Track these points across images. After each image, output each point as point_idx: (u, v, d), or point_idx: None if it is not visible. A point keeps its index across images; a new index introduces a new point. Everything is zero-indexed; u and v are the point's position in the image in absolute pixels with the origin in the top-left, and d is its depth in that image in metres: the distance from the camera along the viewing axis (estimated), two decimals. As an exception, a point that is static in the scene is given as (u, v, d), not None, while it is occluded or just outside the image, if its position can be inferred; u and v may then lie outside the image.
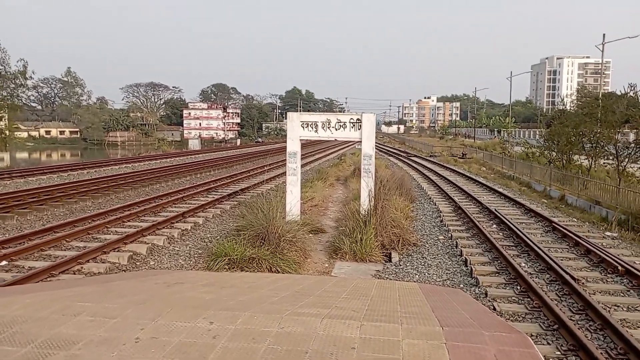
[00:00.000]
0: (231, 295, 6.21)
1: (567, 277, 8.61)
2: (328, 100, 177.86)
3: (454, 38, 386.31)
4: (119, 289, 6.53)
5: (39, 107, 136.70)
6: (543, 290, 8.10)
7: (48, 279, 8.21)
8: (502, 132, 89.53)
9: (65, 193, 18.03)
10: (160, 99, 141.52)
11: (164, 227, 12.61)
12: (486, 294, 8.18)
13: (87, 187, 19.61)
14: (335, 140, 14.06)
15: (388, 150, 57.53)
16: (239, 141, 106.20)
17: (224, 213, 15.55)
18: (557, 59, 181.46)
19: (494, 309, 7.47)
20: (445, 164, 37.52)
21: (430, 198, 19.80)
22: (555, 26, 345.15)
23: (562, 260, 10.24)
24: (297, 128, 13.44)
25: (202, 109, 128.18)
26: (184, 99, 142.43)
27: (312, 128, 13.38)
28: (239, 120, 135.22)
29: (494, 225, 14.05)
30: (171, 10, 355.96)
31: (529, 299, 7.85)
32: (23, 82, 50.87)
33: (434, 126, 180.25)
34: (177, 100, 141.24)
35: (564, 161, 26.21)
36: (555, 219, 15.03)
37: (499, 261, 10.15)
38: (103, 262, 9.54)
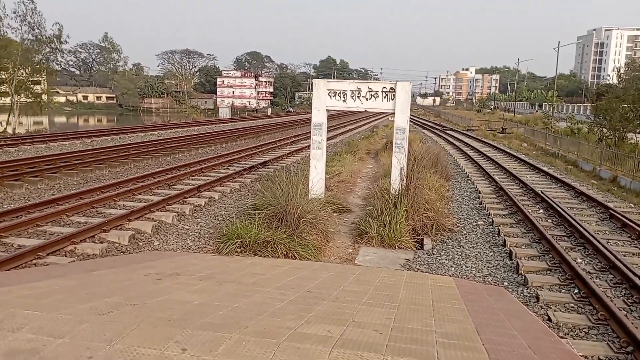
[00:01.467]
0: (226, 298, 5.10)
1: (636, 279, 7.19)
2: (363, 71, 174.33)
3: (495, 7, 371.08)
4: (95, 283, 5.50)
5: (77, 72, 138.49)
6: (607, 296, 6.73)
7: (33, 262, 7.29)
8: (543, 106, 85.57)
9: (82, 161, 17.30)
10: (195, 67, 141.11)
11: (175, 202, 11.62)
12: (537, 298, 6.86)
13: (106, 155, 18.86)
14: (366, 111, 12.71)
15: (423, 123, 55.50)
16: (269, 110, 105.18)
17: (243, 187, 14.49)
18: (606, 30, 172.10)
19: (549, 319, 6.16)
20: (483, 139, 35.55)
21: (467, 176, 18.28)
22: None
23: (625, 256, 8.77)
24: (323, 97, 12.14)
25: (236, 77, 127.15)
26: (218, 67, 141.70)
27: (340, 97, 12.07)
28: (272, 90, 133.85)
29: (541, 210, 12.55)
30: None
31: (591, 308, 6.51)
32: (58, 47, 50.60)
33: (472, 99, 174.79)
34: (212, 68, 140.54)
35: (616, 139, 24.10)
36: (611, 204, 13.40)
37: (549, 255, 8.75)
38: (101, 242, 8.59)
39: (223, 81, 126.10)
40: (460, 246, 9.86)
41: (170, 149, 22.25)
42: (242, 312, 4.49)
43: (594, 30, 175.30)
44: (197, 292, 5.31)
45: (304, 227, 9.49)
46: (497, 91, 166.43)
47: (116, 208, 10.85)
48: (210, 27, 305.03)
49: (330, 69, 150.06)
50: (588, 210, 12.74)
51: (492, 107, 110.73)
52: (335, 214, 12.02)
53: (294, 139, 28.38)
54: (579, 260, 8.53)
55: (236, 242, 8.88)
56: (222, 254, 8.66)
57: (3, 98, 42.22)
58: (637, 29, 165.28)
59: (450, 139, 34.31)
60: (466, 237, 10.49)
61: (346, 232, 10.86)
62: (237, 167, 17.65)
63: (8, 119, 39.60)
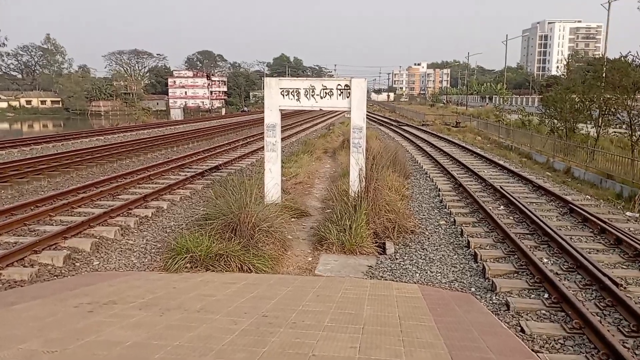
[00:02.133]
0: (167, 334, 4.43)
1: (606, 280, 6.94)
2: (317, 68, 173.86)
3: (444, 3, 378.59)
4: (13, 322, 4.71)
5: (20, 76, 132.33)
6: (579, 300, 6.43)
7: (-53, 295, 6.36)
8: (493, 99, 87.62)
9: (19, 171, 16.02)
10: (145, 67, 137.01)
11: (119, 215, 10.74)
12: (508, 306, 6.48)
13: (46, 164, 17.59)
14: (321, 110, 12.19)
15: (378, 119, 55.58)
16: (224, 110, 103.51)
17: (195, 194, 13.67)
18: (549, 23, 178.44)
19: (522, 330, 5.78)
20: (438, 134, 35.76)
21: (426, 173, 18.05)
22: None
23: (590, 253, 8.58)
24: (276, 96, 11.54)
25: (188, 77, 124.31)
26: (169, 67, 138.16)
27: (294, 96, 11.50)
28: (225, 89, 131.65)
29: (502, 207, 12.35)
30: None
31: (563, 315, 6.18)
32: (-5, 49, 47.77)
33: (424, 93, 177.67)
34: (162, 68, 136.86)
35: (567, 130, 24.50)
36: (569, 197, 13.37)
37: (515, 256, 8.45)
38: (31, 265, 7.69)
39: (175, 81, 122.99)
40: (423, 249, 9.46)
41: (117, 155, 21.08)
42: (184, 353, 3.85)
43: (538, 23, 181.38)
44: (134, 326, 4.62)
45: (259, 236, 8.86)
46: (448, 85, 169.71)
47: (52, 224, 9.88)
48: (159, 26, 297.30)
49: (284, 66, 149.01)
50: (547, 205, 12.64)
51: (445, 101, 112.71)
52: (293, 219, 11.44)
53: (248, 140, 27.65)
54: (545, 261, 8.26)
55: (185, 257, 8.17)
56: (169, 271, 7.94)
57: None
58: (578, 21, 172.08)
59: (406, 135, 34.29)
60: (429, 239, 10.11)
61: (305, 239, 10.29)
62: (189, 172, 16.78)
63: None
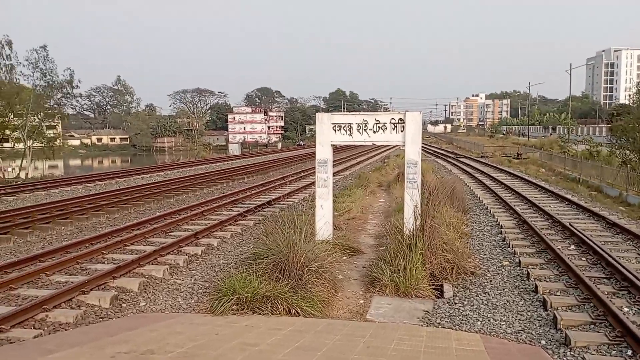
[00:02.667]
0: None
1: (702, 336, 6.01)
2: (372, 101, 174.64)
3: (502, 33, 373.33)
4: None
5: (92, 116, 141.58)
6: (671, 360, 5.56)
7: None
8: (557, 128, 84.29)
9: (80, 207, 16.51)
10: (206, 105, 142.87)
11: (169, 253, 10.65)
12: (585, 365, 5.70)
13: (106, 200, 18.09)
14: (374, 144, 11.84)
15: (435, 152, 54.50)
16: (280, 145, 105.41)
17: (246, 231, 13.49)
18: (615, 51, 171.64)
19: (605, 396, 5.01)
20: (498, 166, 34.40)
21: (486, 208, 17.12)
22: (611, 17, 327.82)
23: (679, 302, 7.58)
24: (327, 131, 11.33)
25: (246, 113, 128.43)
26: (229, 104, 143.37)
27: (346, 131, 11.22)
28: (282, 124, 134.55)
29: (572, 246, 11.35)
30: (213, 16, 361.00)
31: (654, 378, 5.34)
32: (70, 91, 51.04)
33: (483, 124, 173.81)
34: (223, 105, 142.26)
35: (641, 161, 22.87)
36: (648, 235, 12.16)
37: (591, 304, 7.57)
38: (78, 307, 7.61)
39: (234, 117, 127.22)
40: (485, 293, 8.72)
41: (174, 191, 21.46)
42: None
43: (603, 51, 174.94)
44: (166, 383, 4.30)
45: (308, 277, 8.46)
46: (508, 115, 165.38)
47: (103, 262, 9.90)
48: (220, 65, 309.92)
49: (340, 100, 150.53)
50: (624, 244, 11.51)
51: (505, 132, 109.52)
52: (344, 258, 10.98)
53: (302, 174, 27.59)
54: (626, 310, 7.35)
55: (232, 299, 7.89)
56: (215, 314, 7.66)
57: (17, 144, 42.31)
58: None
59: (464, 167, 33.21)
60: (491, 281, 9.34)
61: (357, 279, 9.80)
62: (241, 207, 16.72)
63: (21, 164, 39.57)
